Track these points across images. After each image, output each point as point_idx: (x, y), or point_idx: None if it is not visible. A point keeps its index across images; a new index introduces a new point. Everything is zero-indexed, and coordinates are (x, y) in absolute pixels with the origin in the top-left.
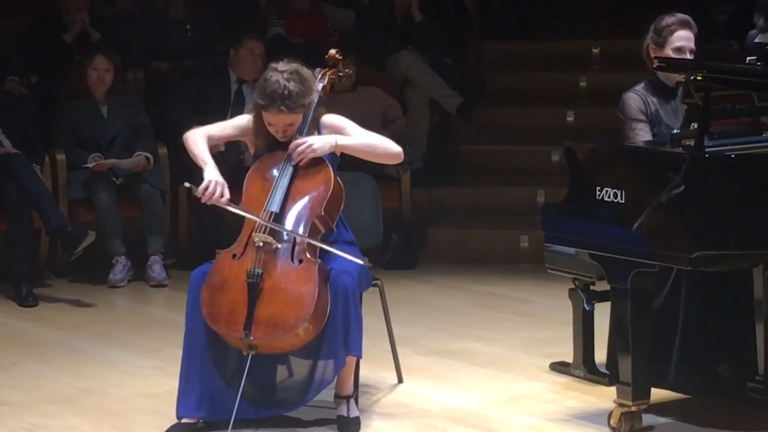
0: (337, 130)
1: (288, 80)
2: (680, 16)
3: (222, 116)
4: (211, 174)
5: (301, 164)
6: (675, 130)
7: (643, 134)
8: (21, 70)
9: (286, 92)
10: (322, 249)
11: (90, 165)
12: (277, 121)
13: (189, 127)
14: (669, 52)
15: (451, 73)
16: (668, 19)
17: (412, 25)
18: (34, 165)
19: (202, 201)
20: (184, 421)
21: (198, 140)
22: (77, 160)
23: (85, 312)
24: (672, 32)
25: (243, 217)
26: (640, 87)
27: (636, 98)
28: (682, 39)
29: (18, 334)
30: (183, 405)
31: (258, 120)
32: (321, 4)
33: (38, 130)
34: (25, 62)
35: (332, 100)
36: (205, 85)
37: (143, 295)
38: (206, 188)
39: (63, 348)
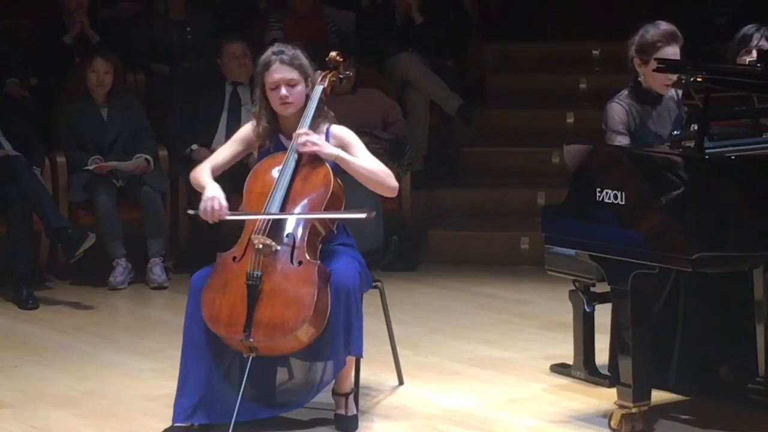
0: (344, 144)
1: (289, 47)
2: (664, 28)
3: (218, 120)
4: (207, 192)
5: (302, 153)
6: (675, 131)
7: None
8: (21, 72)
9: (283, 48)
10: (321, 251)
11: (90, 167)
12: (279, 77)
13: (189, 138)
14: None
15: (451, 74)
16: (653, 34)
17: (412, 27)
18: (35, 167)
19: (208, 221)
20: (176, 425)
21: (199, 174)
22: (77, 162)
23: (85, 314)
24: (658, 50)
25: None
26: (623, 95)
27: (620, 109)
28: (669, 57)
29: (18, 336)
30: (178, 410)
31: (262, 101)
32: (321, 6)
33: (38, 133)
34: (26, 64)
35: (332, 102)
36: (201, 90)
37: (144, 298)
38: (204, 209)
39: (63, 350)
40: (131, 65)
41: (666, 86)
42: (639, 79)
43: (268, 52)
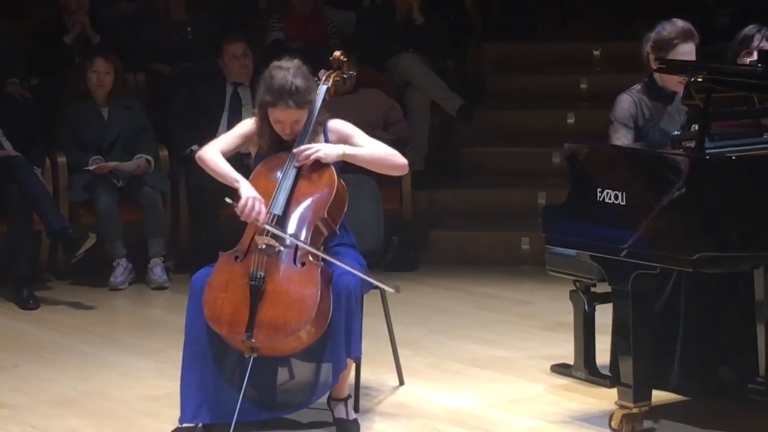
0: (343, 137)
1: (294, 76)
2: (681, 25)
3: (219, 120)
4: (249, 191)
5: (304, 167)
6: (675, 132)
7: (623, 141)
8: (22, 72)
9: (293, 87)
10: (323, 252)
11: (91, 167)
12: (285, 117)
13: (190, 138)
14: None
15: (451, 75)
16: (670, 30)
17: (413, 28)
18: (35, 167)
19: (242, 218)
20: (184, 425)
21: (217, 159)
22: (78, 162)
23: (85, 314)
24: (675, 46)
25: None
26: (636, 89)
27: (629, 101)
28: (686, 54)
29: (19, 336)
30: (183, 410)
31: (262, 119)
32: (322, 7)
33: (39, 133)
34: (26, 64)
35: (333, 102)
36: (201, 91)
37: (144, 298)
38: (246, 206)
39: (64, 350)
40: (132, 65)
41: (681, 83)
42: (654, 76)
43: (279, 85)
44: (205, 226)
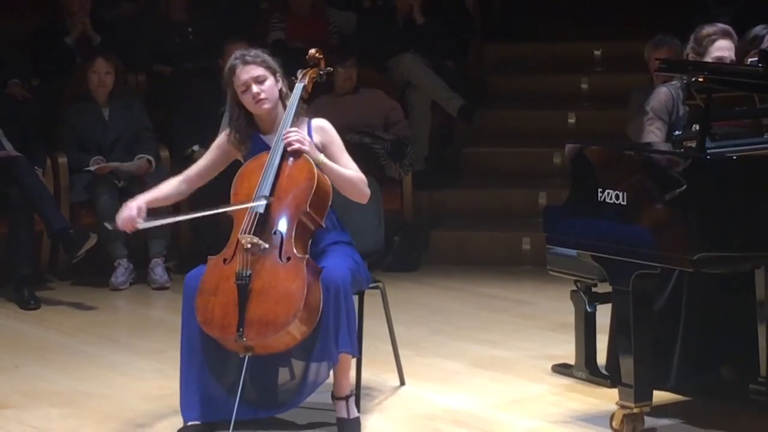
0: (327, 140)
1: (247, 49)
2: (721, 26)
3: (219, 120)
4: (127, 204)
5: (287, 147)
6: (676, 132)
7: (656, 134)
8: (23, 72)
9: (244, 51)
10: (317, 250)
11: (92, 168)
12: (246, 77)
13: (191, 139)
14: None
15: (452, 75)
16: (709, 29)
17: (413, 28)
18: (36, 168)
19: (127, 231)
20: (190, 424)
21: (159, 186)
22: (79, 162)
23: (86, 315)
24: (712, 42)
25: (231, 221)
26: (676, 85)
27: (668, 95)
28: (723, 49)
29: (20, 336)
30: (186, 409)
31: (232, 102)
32: (322, 7)
33: (40, 133)
34: (27, 65)
35: (334, 103)
36: (202, 91)
37: (145, 298)
38: (118, 216)
39: (64, 351)
40: (133, 66)
41: None
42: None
43: (230, 59)
44: (205, 226)
